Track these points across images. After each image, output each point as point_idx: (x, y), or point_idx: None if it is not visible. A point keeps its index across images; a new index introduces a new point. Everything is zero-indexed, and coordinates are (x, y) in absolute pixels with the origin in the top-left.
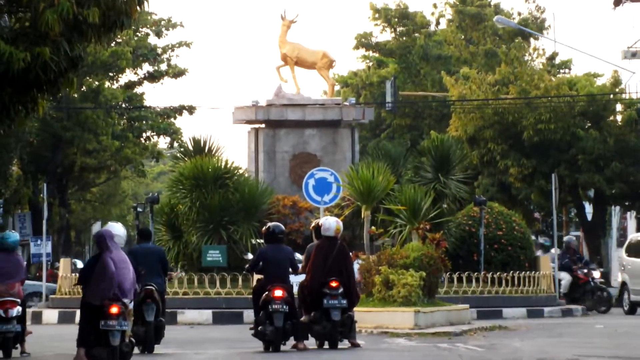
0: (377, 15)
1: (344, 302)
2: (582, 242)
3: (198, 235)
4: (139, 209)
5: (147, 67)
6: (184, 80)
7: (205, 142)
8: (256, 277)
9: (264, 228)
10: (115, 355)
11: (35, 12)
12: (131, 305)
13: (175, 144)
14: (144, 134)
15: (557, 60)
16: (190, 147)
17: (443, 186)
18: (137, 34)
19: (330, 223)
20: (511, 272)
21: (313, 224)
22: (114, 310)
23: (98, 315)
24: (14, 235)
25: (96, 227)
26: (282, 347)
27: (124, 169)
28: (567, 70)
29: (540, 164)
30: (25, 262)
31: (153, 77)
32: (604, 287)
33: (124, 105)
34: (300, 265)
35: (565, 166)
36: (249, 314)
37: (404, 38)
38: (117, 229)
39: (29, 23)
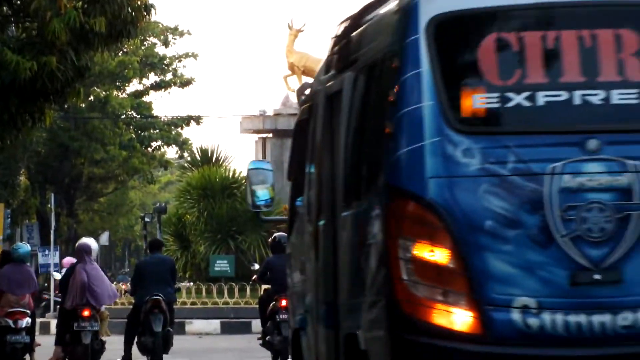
0: None
1: None
2: None
3: (206, 245)
4: (147, 219)
5: (153, 77)
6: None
7: (212, 152)
8: (264, 287)
9: (270, 238)
10: (87, 352)
11: (42, 21)
12: (103, 308)
13: (185, 154)
14: (152, 144)
15: None
16: (198, 157)
17: None
18: (145, 43)
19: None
20: None
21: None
22: (86, 313)
23: (72, 318)
24: (25, 247)
25: (104, 237)
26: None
27: (131, 179)
28: None
29: None
30: (34, 273)
31: (160, 87)
32: None
33: (131, 115)
34: None
35: None
36: (257, 324)
37: None
38: (92, 243)
39: (36, 32)
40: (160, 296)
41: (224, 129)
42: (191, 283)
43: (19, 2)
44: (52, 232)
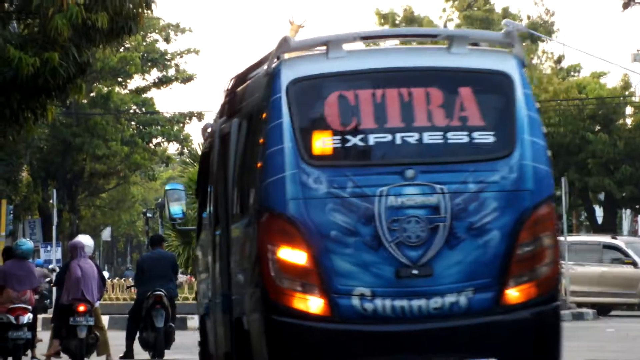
0: (382, 21)
1: None
2: None
3: None
4: (149, 215)
5: (155, 73)
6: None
7: None
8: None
9: None
10: (82, 346)
11: (44, 17)
12: (97, 304)
13: (185, 151)
14: (154, 140)
15: (566, 65)
16: (199, 153)
17: None
18: (146, 39)
19: None
20: None
21: None
22: (81, 308)
23: (68, 313)
24: (28, 244)
25: (106, 233)
26: None
27: (133, 175)
28: (576, 75)
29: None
30: (35, 269)
31: (162, 83)
32: None
33: (133, 110)
34: None
35: (575, 170)
36: None
37: (412, 44)
38: (87, 240)
39: (38, 29)
40: (162, 292)
41: None
42: (193, 278)
43: None
44: (54, 227)
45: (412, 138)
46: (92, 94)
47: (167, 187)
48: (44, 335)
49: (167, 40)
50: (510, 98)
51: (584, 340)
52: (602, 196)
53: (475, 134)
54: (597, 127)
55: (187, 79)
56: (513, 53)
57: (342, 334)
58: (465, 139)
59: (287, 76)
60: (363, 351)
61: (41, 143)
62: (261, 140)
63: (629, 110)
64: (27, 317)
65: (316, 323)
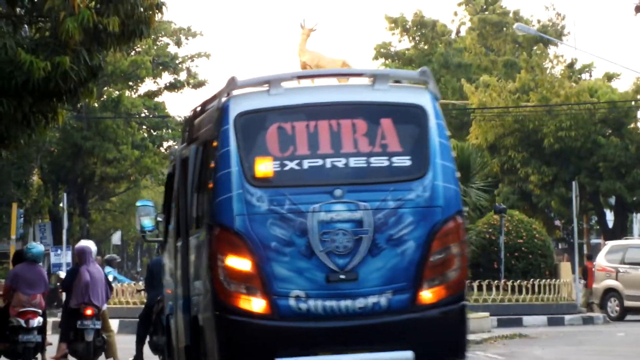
0: (393, 25)
1: None
2: None
3: None
4: (159, 219)
5: (167, 77)
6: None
7: None
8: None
9: None
10: (89, 349)
11: (56, 21)
12: (104, 307)
13: None
14: (164, 144)
15: (579, 65)
16: None
17: (463, 194)
18: (157, 43)
19: None
20: (531, 280)
21: None
22: (89, 312)
23: (76, 316)
24: (38, 247)
25: (116, 237)
26: None
27: (143, 179)
28: (589, 75)
29: (560, 171)
30: (46, 272)
31: (173, 87)
32: None
33: (144, 114)
34: None
35: (586, 173)
36: None
37: (424, 46)
38: (93, 245)
39: (49, 32)
40: None
41: None
42: None
43: (33, 1)
44: (64, 231)
45: (340, 162)
46: (102, 98)
47: (137, 204)
48: (53, 339)
49: (178, 44)
50: (425, 127)
51: (594, 345)
52: (613, 200)
53: (394, 159)
54: (609, 131)
55: (199, 84)
56: (428, 89)
57: (281, 330)
58: (386, 163)
59: (234, 110)
60: (299, 345)
61: (52, 147)
62: (212, 165)
63: None
64: (37, 321)
65: (259, 320)
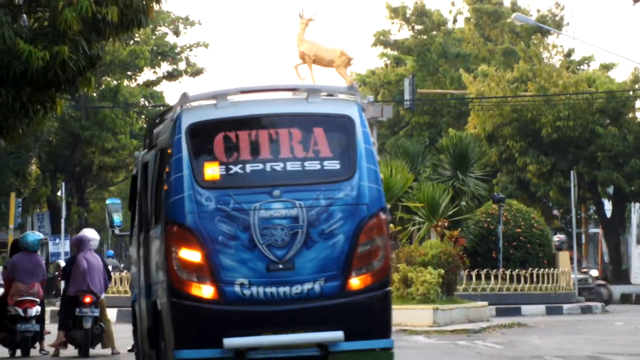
0: (393, 14)
1: None
2: (601, 239)
3: None
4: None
5: (165, 66)
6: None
7: None
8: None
9: None
10: (88, 336)
11: (54, 11)
12: (102, 296)
13: None
14: None
15: (579, 57)
16: None
17: (461, 184)
18: (156, 32)
19: None
20: (530, 269)
21: None
22: (87, 300)
23: (74, 304)
24: (33, 235)
25: None
26: None
27: None
28: (587, 67)
29: (559, 161)
30: (44, 261)
31: (172, 76)
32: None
33: (142, 103)
34: None
35: (584, 163)
36: None
37: (422, 36)
38: (93, 234)
39: (48, 22)
40: None
41: None
42: None
43: None
44: (62, 220)
45: (278, 166)
46: (101, 87)
47: (107, 201)
48: (52, 328)
49: (176, 33)
50: (352, 135)
51: (592, 334)
52: (611, 190)
53: (326, 163)
54: (607, 121)
55: (196, 72)
56: (356, 101)
57: (228, 313)
58: (318, 166)
59: (186, 121)
60: (244, 326)
61: (50, 136)
62: (167, 169)
63: (638, 104)
64: (35, 310)
65: (208, 305)
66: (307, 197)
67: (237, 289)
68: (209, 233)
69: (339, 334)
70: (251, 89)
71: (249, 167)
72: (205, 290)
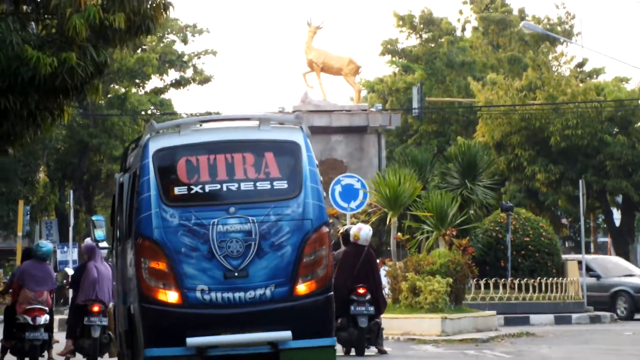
0: (401, 22)
1: (371, 308)
2: (610, 248)
3: None
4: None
5: (173, 74)
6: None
7: None
8: None
9: (340, 231)
10: (96, 345)
11: (62, 17)
12: (111, 305)
13: None
14: None
15: (589, 68)
16: None
17: (470, 192)
18: (163, 40)
19: (367, 233)
20: (538, 278)
21: (341, 231)
22: (96, 308)
23: (83, 313)
24: (48, 245)
25: None
26: None
27: None
28: (596, 78)
29: (567, 169)
30: (53, 270)
31: (179, 84)
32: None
33: (151, 112)
34: None
35: (592, 172)
36: None
37: (430, 44)
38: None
39: (56, 29)
40: None
41: None
42: None
43: None
44: (70, 228)
45: (234, 186)
46: (109, 95)
47: (93, 218)
48: (61, 336)
49: (184, 41)
50: (299, 158)
51: (601, 344)
52: (619, 199)
53: (275, 183)
54: (616, 129)
55: (204, 80)
56: (301, 128)
57: (190, 316)
58: (268, 186)
59: (153, 147)
60: (205, 327)
61: (58, 144)
62: (137, 190)
63: None
64: (43, 318)
65: (173, 309)
66: (259, 214)
67: (198, 294)
68: (173, 245)
69: (287, 334)
70: (210, 118)
71: (208, 187)
72: (171, 296)
